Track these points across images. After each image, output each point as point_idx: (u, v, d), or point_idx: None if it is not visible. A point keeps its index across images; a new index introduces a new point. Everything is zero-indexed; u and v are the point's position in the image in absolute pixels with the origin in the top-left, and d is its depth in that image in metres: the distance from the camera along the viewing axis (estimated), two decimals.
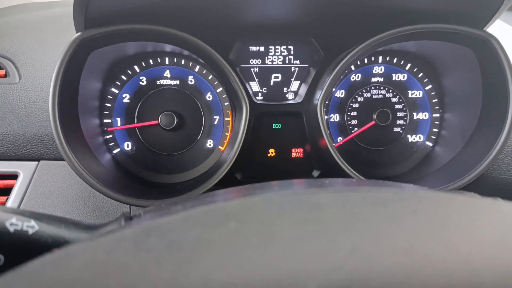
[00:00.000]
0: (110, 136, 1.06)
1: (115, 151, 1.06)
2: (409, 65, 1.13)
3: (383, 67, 1.13)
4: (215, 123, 1.10)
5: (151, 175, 1.08)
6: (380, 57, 1.12)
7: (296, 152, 1.12)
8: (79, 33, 0.81)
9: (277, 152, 1.11)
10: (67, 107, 0.85)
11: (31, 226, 0.50)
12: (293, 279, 0.27)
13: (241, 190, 0.54)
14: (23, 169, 0.91)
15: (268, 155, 1.11)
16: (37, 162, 0.93)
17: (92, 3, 0.73)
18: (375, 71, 1.13)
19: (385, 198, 0.38)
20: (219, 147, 1.10)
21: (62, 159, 0.92)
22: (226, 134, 1.10)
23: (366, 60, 1.12)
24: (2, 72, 0.97)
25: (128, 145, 1.07)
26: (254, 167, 1.11)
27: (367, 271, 0.27)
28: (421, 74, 1.13)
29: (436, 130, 1.13)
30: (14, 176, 0.91)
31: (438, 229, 0.32)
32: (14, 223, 0.49)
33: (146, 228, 0.36)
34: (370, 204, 0.37)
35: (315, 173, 1.12)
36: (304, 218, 0.34)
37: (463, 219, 0.35)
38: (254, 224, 0.34)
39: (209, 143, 1.10)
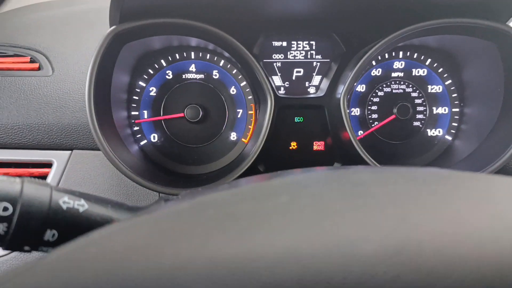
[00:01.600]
0: (138, 128, 1.09)
1: (142, 143, 1.09)
2: (429, 60, 1.14)
3: (403, 62, 1.15)
4: (239, 116, 1.13)
5: (176, 166, 1.11)
6: (401, 52, 1.14)
7: (318, 145, 1.14)
8: (114, 27, 0.85)
9: (298, 145, 1.14)
10: (101, 98, 0.88)
11: (82, 205, 0.53)
12: (350, 244, 0.29)
13: (278, 174, 0.56)
14: (57, 158, 0.95)
15: (290, 147, 1.14)
16: (70, 151, 0.96)
17: None
18: (396, 66, 1.15)
19: (425, 176, 0.41)
20: (243, 139, 1.13)
21: (94, 149, 0.96)
22: (249, 127, 1.13)
23: (386, 55, 1.14)
24: (36, 65, 1.01)
25: (154, 137, 1.11)
26: (276, 160, 1.13)
27: (419, 237, 0.30)
28: (441, 69, 1.15)
29: (456, 124, 1.15)
30: (48, 165, 0.94)
31: (481, 202, 0.34)
32: (67, 201, 0.52)
33: (201, 202, 0.39)
34: (412, 181, 0.39)
35: (336, 166, 1.14)
36: (352, 192, 0.37)
37: (503, 194, 0.37)
38: (306, 198, 0.36)
39: (233, 136, 1.13)
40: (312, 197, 0.36)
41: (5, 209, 0.47)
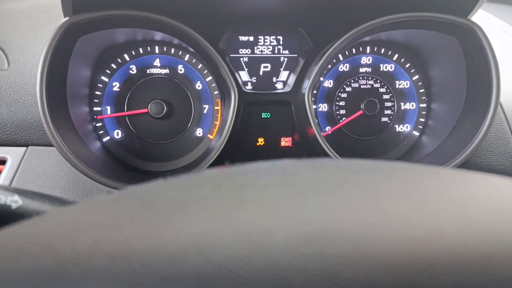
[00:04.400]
0: (100, 124, 1.07)
1: (105, 139, 1.06)
2: (396, 55, 1.14)
3: (371, 58, 1.14)
4: (205, 112, 1.11)
5: (141, 163, 1.08)
6: (368, 48, 1.14)
7: (285, 141, 1.13)
8: (67, 18, 0.82)
9: (266, 141, 1.12)
10: (55, 92, 0.85)
11: (15, 201, 0.51)
12: (261, 233, 0.28)
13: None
14: (11, 154, 0.92)
15: (257, 144, 1.12)
16: (25, 147, 0.93)
17: None
18: (363, 61, 1.15)
19: (360, 167, 0.40)
20: (209, 135, 1.11)
21: (51, 145, 0.93)
22: (216, 123, 1.11)
23: (354, 51, 1.14)
24: None
25: (118, 133, 1.08)
26: (243, 156, 1.12)
27: (332, 226, 0.28)
28: (408, 65, 1.14)
29: (423, 119, 1.15)
30: (2, 162, 0.91)
31: (405, 193, 0.33)
32: None
33: (122, 193, 0.37)
34: (343, 172, 0.38)
35: None
36: (278, 182, 0.35)
37: (428, 184, 0.36)
38: (229, 188, 0.35)
39: (199, 132, 1.11)
40: (234, 187, 0.34)
41: None
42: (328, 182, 0.35)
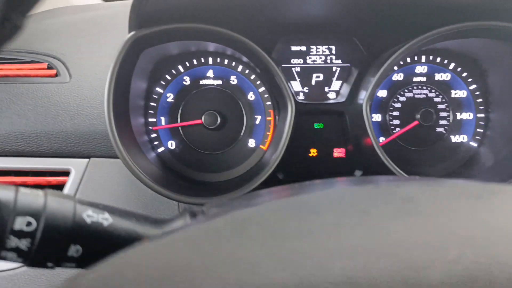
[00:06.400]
0: (155, 135, 1.08)
1: (159, 150, 1.07)
2: (453, 64, 1.11)
3: (426, 67, 1.12)
4: (257, 122, 1.11)
5: (194, 174, 1.09)
6: (423, 57, 1.11)
7: (338, 152, 1.11)
8: (133, 32, 0.83)
9: (318, 152, 1.11)
10: (120, 105, 0.87)
11: (106, 218, 0.51)
12: (411, 271, 0.27)
13: (297, 187, 0.53)
14: (75, 166, 0.93)
15: (310, 154, 1.11)
16: (88, 159, 0.95)
17: (149, 3, 0.74)
18: (418, 70, 1.12)
19: (475, 191, 0.38)
20: (261, 146, 1.10)
21: (112, 157, 0.94)
22: (268, 133, 1.11)
23: (409, 60, 1.11)
24: (53, 71, 1.00)
25: (172, 144, 1.09)
26: (295, 167, 1.11)
27: (488, 261, 0.27)
28: (465, 74, 1.11)
29: (481, 130, 1.11)
30: (66, 173, 0.93)
31: None
32: (91, 215, 0.50)
33: (238, 218, 0.36)
34: (462, 196, 0.37)
35: (357, 173, 1.11)
36: (400, 209, 0.34)
37: None
38: (353, 215, 0.34)
39: (251, 143, 1.11)
40: (361, 215, 0.33)
41: (29, 224, 0.45)
42: (457, 209, 0.33)
